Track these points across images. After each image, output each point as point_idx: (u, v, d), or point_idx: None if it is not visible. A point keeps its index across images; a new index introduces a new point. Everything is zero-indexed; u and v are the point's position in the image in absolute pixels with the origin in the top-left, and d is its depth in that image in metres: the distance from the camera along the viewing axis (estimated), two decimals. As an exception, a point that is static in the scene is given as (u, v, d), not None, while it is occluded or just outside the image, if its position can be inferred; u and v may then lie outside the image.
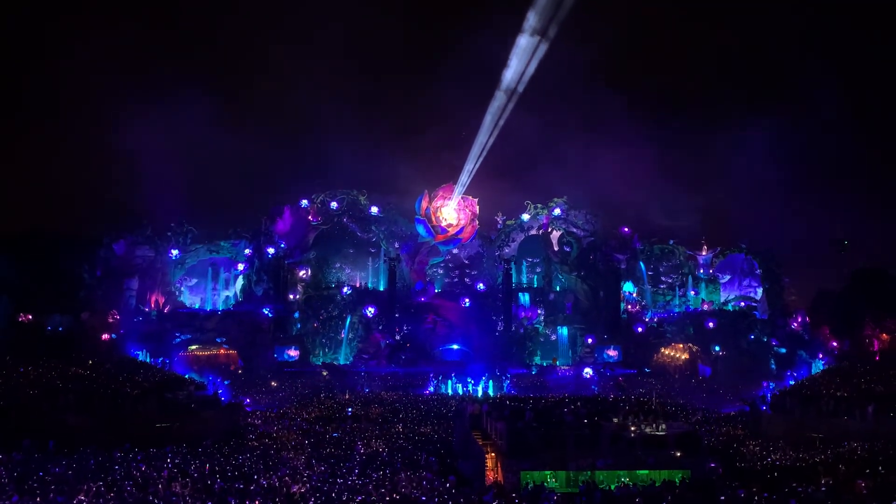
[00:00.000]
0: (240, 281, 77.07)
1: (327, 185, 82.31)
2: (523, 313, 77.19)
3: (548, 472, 33.91)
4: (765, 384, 66.23)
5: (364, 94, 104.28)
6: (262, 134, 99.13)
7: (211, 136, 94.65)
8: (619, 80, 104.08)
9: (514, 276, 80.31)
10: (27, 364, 56.17)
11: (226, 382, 63.31)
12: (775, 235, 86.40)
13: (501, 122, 75.11)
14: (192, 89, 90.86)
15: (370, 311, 75.24)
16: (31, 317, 70.06)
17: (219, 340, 71.46)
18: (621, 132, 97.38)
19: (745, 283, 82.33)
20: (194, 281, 77.42)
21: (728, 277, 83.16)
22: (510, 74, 72.81)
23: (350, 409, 55.86)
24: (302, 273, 78.05)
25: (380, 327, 74.98)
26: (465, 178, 78.30)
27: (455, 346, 73.71)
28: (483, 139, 75.94)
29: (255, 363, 69.44)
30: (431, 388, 67.21)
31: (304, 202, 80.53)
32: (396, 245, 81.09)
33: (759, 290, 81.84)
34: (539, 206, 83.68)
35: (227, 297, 77.52)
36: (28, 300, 70.28)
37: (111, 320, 71.20)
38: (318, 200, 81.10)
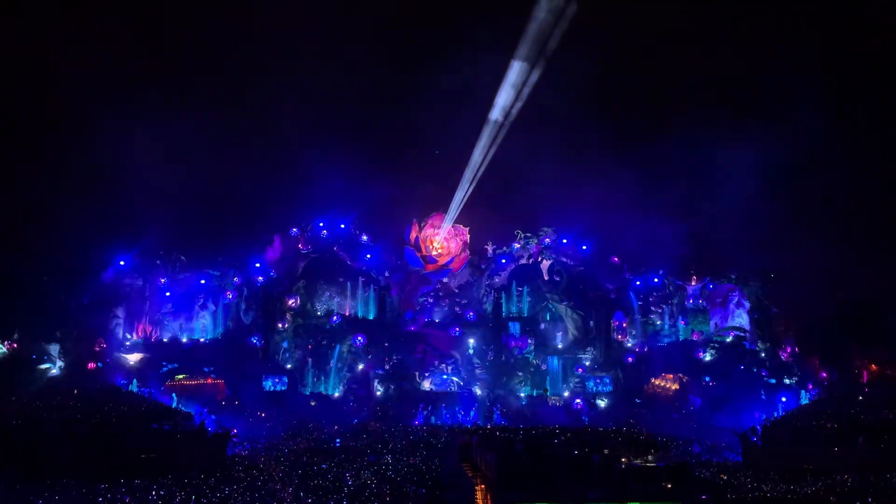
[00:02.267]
0: (229, 310, 76.54)
1: (317, 214, 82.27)
2: (513, 343, 76.71)
3: (538, 505, 33.67)
4: (755, 415, 66.40)
5: (354, 124, 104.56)
6: (252, 162, 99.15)
7: (200, 164, 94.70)
8: (608, 111, 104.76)
9: (504, 305, 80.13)
10: (10, 394, 55.60)
11: (213, 417, 62.99)
12: (764, 265, 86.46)
13: (491, 153, 76.04)
14: (182, 117, 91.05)
15: (359, 340, 74.76)
16: (15, 345, 69.50)
17: (206, 370, 70.73)
18: (611, 164, 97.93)
19: (734, 313, 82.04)
20: (181, 310, 76.38)
21: (717, 308, 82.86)
22: (499, 105, 74.19)
23: (338, 440, 55.81)
24: (291, 302, 77.49)
25: (369, 357, 74.45)
26: (455, 207, 78.87)
27: (445, 376, 73.15)
28: (473, 169, 76.72)
29: (243, 393, 68.79)
30: (421, 419, 67.28)
31: (294, 231, 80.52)
32: (386, 274, 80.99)
33: (749, 321, 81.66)
34: (529, 235, 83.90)
35: (216, 326, 76.67)
36: (12, 328, 69.72)
37: (97, 349, 70.58)
38: (308, 229, 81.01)
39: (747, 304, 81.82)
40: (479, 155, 75.98)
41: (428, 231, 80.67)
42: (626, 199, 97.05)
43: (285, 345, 74.54)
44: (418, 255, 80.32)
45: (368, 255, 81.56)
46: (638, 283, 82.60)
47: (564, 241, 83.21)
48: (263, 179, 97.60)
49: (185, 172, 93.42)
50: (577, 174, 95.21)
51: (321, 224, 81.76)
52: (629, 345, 78.68)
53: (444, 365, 74.03)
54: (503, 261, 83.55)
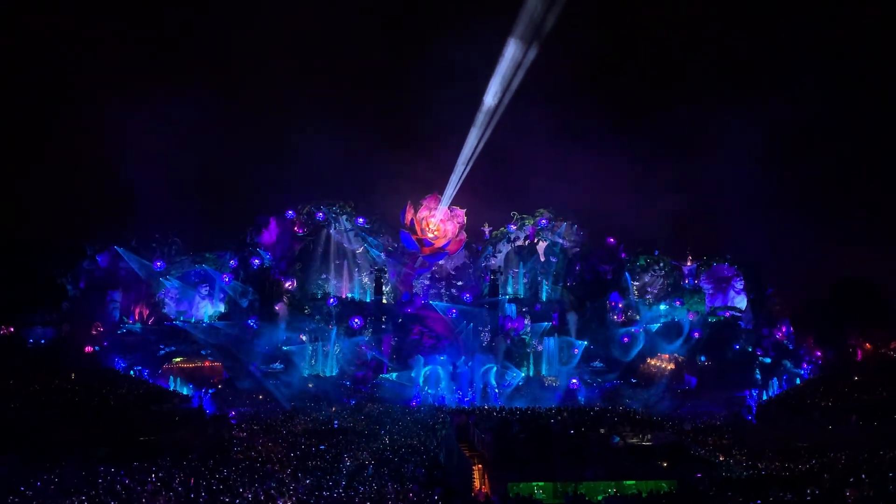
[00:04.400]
0: (225, 293, 76.15)
1: (313, 197, 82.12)
2: (510, 324, 76.84)
3: (535, 483, 33.99)
4: (747, 393, 67.44)
5: (351, 107, 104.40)
6: (249, 145, 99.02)
7: (197, 146, 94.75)
8: (603, 92, 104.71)
9: (500, 286, 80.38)
10: (8, 377, 55.68)
11: (210, 393, 63.45)
12: (759, 245, 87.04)
13: (488, 133, 75.34)
14: (178, 100, 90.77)
15: (356, 322, 74.87)
16: (12, 329, 69.44)
17: (203, 353, 71.03)
18: (607, 144, 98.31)
19: (730, 293, 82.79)
20: (178, 292, 75.83)
21: (713, 288, 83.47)
22: (495, 87, 73.14)
23: (336, 422, 55.97)
24: (287, 284, 77.28)
25: (366, 339, 74.65)
26: (450, 188, 78.26)
27: (442, 358, 73.13)
28: (468, 150, 76.01)
29: (241, 375, 69.05)
30: (418, 400, 67.72)
31: (290, 213, 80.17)
32: (382, 256, 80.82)
33: (744, 300, 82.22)
34: (525, 216, 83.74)
35: (213, 308, 76.50)
36: (9, 312, 69.74)
37: (95, 332, 70.62)
38: (304, 211, 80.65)
39: (743, 284, 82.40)
40: (476, 135, 75.32)
41: (423, 213, 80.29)
42: (622, 180, 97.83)
43: (282, 327, 73.95)
44: (414, 237, 79.77)
45: (364, 238, 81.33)
46: (633, 263, 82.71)
47: (560, 221, 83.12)
48: (259, 162, 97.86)
49: (181, 156, 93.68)
50: (574, 155, 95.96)
51: (321, 207, 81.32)
52: (625, 325, 78.65)
53: (440, 346, 74.25)
54: (499, 246, 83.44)
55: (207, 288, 76.01)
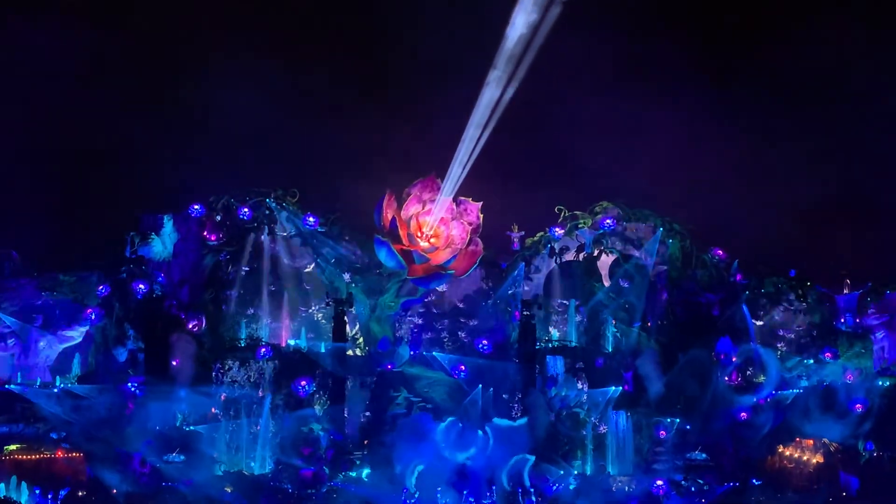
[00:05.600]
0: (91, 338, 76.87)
1: (235, 183, 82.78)
2: (554, 389, 76.76)
3: None
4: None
5: (297, 40, 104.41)
6: (132, 102, 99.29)
7: (50, 107, 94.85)
8: (699, 14, 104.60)
9: (538, 328, 79.87)
10: None
11: (63, 499, 65.20)
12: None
13: (515, 82, 75.80)
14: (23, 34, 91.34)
15: (303, 386, 74.87)
16: None
17: (54, 436, 71.36)
18: (705, 98, 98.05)
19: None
20: (12, 340, 76.65)
21: (885, 331, 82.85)
22: (527, 5, 73.62)
23: (271, 547, 56.81)
24: (192, 325, 76.89)
25: (319, 413, 74.89)
26: (457, 168, 77.79)
27: (443, 444, 72.46)
28: (485, 109, 76.35)
29: (113, 473, 68.85)
30: (405, 512, 68.41)
31: (197, 209, 79.41)
32: (346, 278, 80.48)
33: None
34: (578, 214, 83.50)
35: (70, 364, 77.15)
36: None
37: None
38: (220, 206, 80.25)
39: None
40: (496, 85, 75.67)
41: (413, 208, 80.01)
42: (732, 160, 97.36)
43: (183, 395, 73.76)
44: (397, 248, 78.83)
45: (317, 248, 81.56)
46: (756, 291, 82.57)
47: (636, 223, 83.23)
48: (145, 129, 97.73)
49: (25, 122, 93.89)
50: (653, 119, 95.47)
51: (246, 199, 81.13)
52: (743, 391, 78.25)
53: (441, 424, 73.61)
54: (536, 262, 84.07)
55: (65, 331, 76.74)
